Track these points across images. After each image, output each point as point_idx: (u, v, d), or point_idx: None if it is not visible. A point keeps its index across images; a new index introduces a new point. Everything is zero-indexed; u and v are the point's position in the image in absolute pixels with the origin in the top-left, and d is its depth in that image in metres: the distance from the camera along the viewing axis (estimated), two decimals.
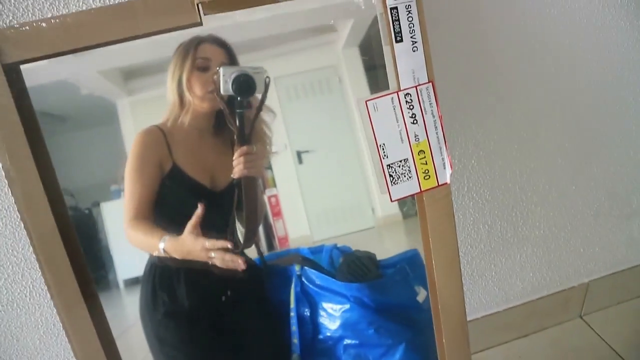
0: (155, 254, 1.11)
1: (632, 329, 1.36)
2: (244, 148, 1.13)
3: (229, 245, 1.05)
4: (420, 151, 0.82)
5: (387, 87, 0.81)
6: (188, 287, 1.21)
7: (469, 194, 1.14)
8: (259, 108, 1.13)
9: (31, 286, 0.98)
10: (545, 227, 1.25)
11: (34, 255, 0.89)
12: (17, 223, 0.92)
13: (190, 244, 1.06)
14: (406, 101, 0.80)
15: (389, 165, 0.82)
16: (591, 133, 1.20)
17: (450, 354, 0.92)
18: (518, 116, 1.10)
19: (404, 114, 0.81)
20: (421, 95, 0.81)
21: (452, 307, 0.90)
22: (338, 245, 1.77)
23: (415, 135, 0.82)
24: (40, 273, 0.96)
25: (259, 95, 1.11)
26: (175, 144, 1.21)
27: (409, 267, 1.39)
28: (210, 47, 1.22)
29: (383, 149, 0.81)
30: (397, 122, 0.81)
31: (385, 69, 0.83)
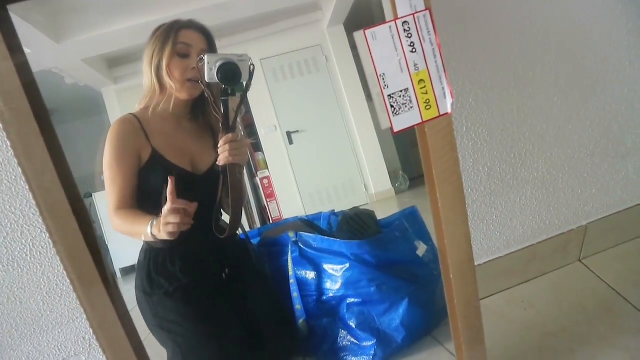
0: (143, 239, 1.11)
1: (631, 269, 1.38)
2: (229, 135, 1.12)
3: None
4: (420, 80, 0.82)
5: None
6: (183, 268, 1.21)
7: (467, 135, 1.14)
8: (244, 95, 1.11)
9: (31, 244, 0.96)
10: (544, 168, 1.26)
11: (32, 212, 0.88)
12: (14, 177, 0.90)
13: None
14: (404, 29, 0.80)
15: (389, 95, 0.81)
16: (587, 70, 1.20)
17: (458, 289, 0.92)
18: (514, 52, 1.10)
19: (402, 42, 0.80)
20: (419, 23, 0.80)
21: (459, 240, 0.89)
22: (336, 212, 1.77)
23: (415, 64, 0.81)
24: (40, 231, 0.95)
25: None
26: (153, 131, 1.20)
27: (408, 223, 1.39)
28: (190, 33, 1.20)
29: (383, 79, 0.80)
30: (396, 51, 0.80)
31: None
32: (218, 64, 1.03)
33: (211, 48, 1.22)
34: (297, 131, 4.93)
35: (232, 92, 1.07)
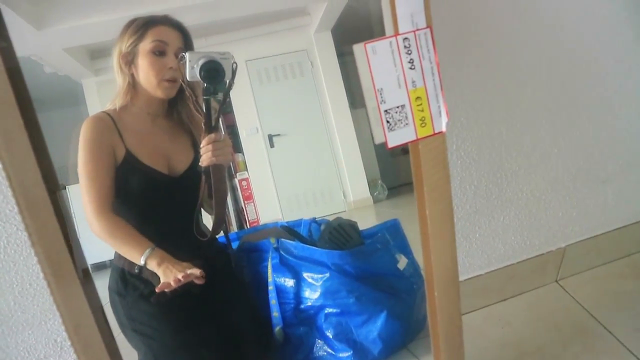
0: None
1: (605, 292, 1.41)
2: (212, 135, 1.10)
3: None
4: (417, 97, 0.82)
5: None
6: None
7: (457, 152, 1.15)
8: (226, 94, 1.09)
9: (6, 242, 0.92)
10: (528, 189, 1.27)
11: (9, 208, 0.84)
12: None
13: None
14: (404, 46, 0.79)
15: (386, 110, 0.80)
16: (574, 96, 1.23)
17: (442, 306, 0.92)
18: (506, 73, 1.12)
19: (402, 58, 0.80)
20: (419, 40, 0.80)
21: (445, 258, 0.89)
22: (317, 219, 1.76)
23: (413, 81, 0.81)
24: (16, 229, 0.91)
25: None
26: (127, 131, 1.16)
27: (390, 235, 1.39)
28: (166, 29, 1.16)
29: (381, 94, 0.80)
30: (395, 66, 0.80)
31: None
32: (200, 62, 1.00)
33: (188, 46, 1.19)
34: (279, 134, 4.90)
35: (215, 91, 1.04)
